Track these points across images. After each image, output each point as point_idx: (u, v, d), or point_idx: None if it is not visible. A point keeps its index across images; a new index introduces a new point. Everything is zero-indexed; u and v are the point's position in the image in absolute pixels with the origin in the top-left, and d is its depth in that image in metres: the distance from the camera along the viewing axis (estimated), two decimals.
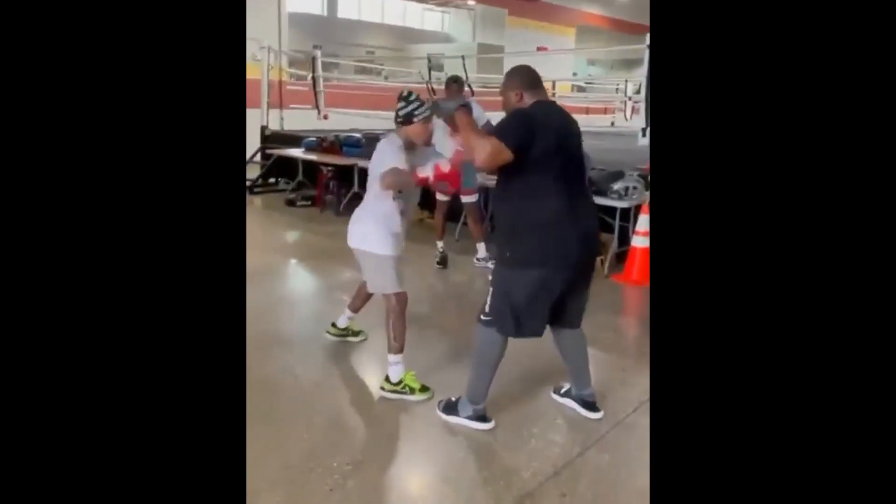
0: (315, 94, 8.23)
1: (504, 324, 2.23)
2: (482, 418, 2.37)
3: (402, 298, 2.60)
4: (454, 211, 4.81)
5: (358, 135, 6.70)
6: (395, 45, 20.97)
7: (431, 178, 2.42)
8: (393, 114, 2.57)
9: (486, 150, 1.99)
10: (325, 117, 8.21)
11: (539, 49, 12.80)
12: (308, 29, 18.19)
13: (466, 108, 2.20)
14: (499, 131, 2.08)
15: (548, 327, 2.40)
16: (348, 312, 3.14)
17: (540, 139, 2.06)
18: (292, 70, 10.32)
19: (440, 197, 4.54)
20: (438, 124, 2.76)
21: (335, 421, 2.44)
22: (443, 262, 4.66)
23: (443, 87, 5.03)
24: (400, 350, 2.61)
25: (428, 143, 2.65)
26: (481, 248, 4.68)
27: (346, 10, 20.87)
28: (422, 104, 2.52)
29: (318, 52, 8.15)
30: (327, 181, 6.81)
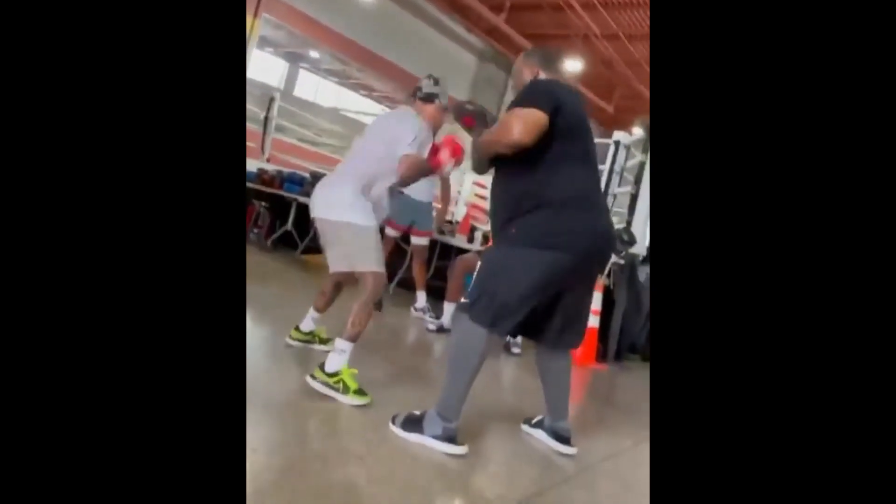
0: (264, 133, 7.87)
1: (482, 310, 1.81)
2: (453, 440, 1.83)
3: (379, 280, 2.22)
4: (393, 262, 4.41)
5: (305, 173, 6.26)
6: (345, 132, 21.24)
7: (446, 159, 2.29)
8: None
9: (518, 122, 1.76)
10: (268, 160, 7.80)
11: None
12: (264, 99, 18.06)
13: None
14: (523, 101, 1.83)
15: (534, 351, 2.06)
16: (313, 312, 2.64)
17: (564, 108, 1.83)
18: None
19: (389, 232, 4.21)
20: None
21: (253, 426, 1.88)
22: (378, 305, 4.21)
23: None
24: (354, 339, 2.16)
25: (437, 129, 2.52)
26: (421, 298, 4.28)
27: (302, 90, 21.10)
28: (446, 93, 2.47)
29: (278, 95, 7.92)
30: (257, 215, 6.31)
